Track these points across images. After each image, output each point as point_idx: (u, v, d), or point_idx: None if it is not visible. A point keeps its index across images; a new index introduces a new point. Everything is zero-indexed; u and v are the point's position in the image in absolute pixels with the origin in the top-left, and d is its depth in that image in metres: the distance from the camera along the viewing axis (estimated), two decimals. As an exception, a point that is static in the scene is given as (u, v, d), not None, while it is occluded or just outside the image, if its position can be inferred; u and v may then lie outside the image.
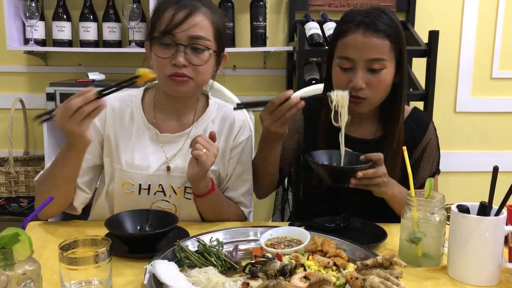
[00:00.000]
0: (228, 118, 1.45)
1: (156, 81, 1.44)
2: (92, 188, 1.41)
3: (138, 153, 1.37)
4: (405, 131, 1.42)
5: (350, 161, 1.32)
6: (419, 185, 1.45)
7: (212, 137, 1.28)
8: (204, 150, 1.23)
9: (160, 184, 1.36)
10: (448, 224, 1.08)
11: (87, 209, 1.44)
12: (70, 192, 1.34)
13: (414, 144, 1.46)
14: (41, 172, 1.35)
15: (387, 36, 1.32)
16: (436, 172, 1.49)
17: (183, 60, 1.27)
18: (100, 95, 1.15)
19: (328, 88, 1.43)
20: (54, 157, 1.28)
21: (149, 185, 1.36)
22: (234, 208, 1.44)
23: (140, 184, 1.36)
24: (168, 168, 1.36)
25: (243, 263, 1.01)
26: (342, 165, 1.32)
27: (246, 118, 1.53)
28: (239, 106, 1.37)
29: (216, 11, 1.35)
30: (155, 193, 1.36)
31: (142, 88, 1.46)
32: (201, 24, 1.29)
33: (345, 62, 1.34)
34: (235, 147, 1.44)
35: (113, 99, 1.42)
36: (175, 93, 1.35)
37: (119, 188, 1.36)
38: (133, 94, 1.45)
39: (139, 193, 1.36)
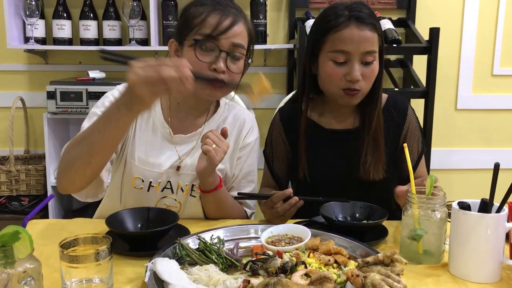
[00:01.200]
0: (238, 118, 1.47)
1: None
2: (108, 176, 1.39)
3: (152, 151, 1.38)
4: (385, 118, 1.47)
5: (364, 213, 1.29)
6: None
7: (224, 133, 1.29)
8: (214, 145, 1.24)
9: (169, 181, 1.37)
10: (449, 221, 1.08)
11: (91, 203, 1.43)
12: (100, 166, 1.23)
13: (398, 130, 1.49)
14: (70, 141, 1.21)
15: (375, 29, 1.36)
16: (422, 150, 1.53)
17: (224, 66, 1.29)
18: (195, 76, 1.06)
19: (310, 87, 1.48)
20: (92, 123, 1.17)
21: (159, 183, 1.37)
22: (238, 207, 1.44)
23: (150, 182, 1.36)
24: (178, 168, 1.37)
25: (244, 261, 1.01)
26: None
27: (255, 119, 1.55)
28: (239, 196, 1.36)
29: (248, 19, 1.38)
30: (163, 190, 1.38)
31: None
32: (242, 34, 1.32)
33: (340, 56, 1.36)
34: (244, 148, 1.46)
35: None
36: (209, 98, 1.37)
37: (128, 183, 1.37)
38: None
39: (148, 189, 1.37)
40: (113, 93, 1.38)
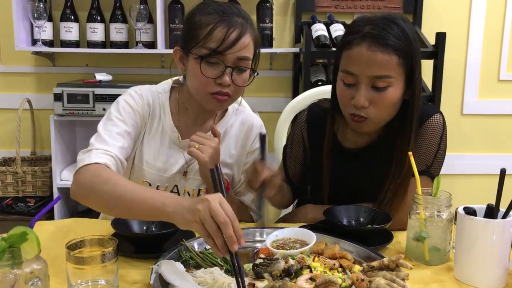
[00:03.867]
0: (246, 123, 1.46)
1: (179, 80, 1.43)
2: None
3: (160, 155, 1.37)
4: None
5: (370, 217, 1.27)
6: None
7: (213, 131, 1.30)
8: (197, 145, 1.24)
9: (175, 185, 1.38)
10: (455, 224, 1.08)
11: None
12: None
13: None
14: (112, 178, 1.14)
15: (395, 50, 1.21)
16: (424, 172, 1.33)
17: (229, 80, 1.27)
18: None
19: (334, 101, 1.36)
20: (139, 193, 1.11)
21: (166, 187, 1.37)
22: (245, 211, 1.44)
23: (157, 186, 1.37)
24: (185, 173, 1.38)
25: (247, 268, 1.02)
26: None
27: (263, 124, 1.52)
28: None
29: (254, 25, 1.34)
30: None
31: (169, 86, 1.43)
32: (249, 46, 1.28)
33: (348, 77, 1.26)
34: (251, 153, 1.45)
35: (147, 93, 1.38)
36: (212, 109, 1.37)
37: None
38: (160, 91, 1.41)
39: None
40: (125, 99, 1.34)
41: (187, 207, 0.94)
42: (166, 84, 1.46)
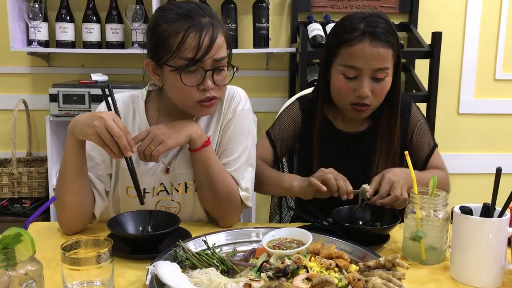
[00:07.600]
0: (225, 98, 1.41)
1: (154, 84, 1.42)
2: (109, 196, 1.40)
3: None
4: None
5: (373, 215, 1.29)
6: (423, 162, 1.52)
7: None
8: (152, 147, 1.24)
9: (162, 183, 1.37)
10: (452, 223, 1.08)
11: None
12: (86, 191, 1.29)
13: (405, 124, 1.52)
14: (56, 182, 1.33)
15: (390, 45, 1.36)
16: (434, 145, 1.54)
17: (212, 84, 1.26)
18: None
19: (324, 92, 1.48)
20: (62, 161, 1.30)
21: (153, 188, 1.36)
22: (230, 180, 1.36)
23: (144, 189, 1.35)
24: (167, 170, 1.36)
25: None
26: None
27: (242, 92, 1.47)
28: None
29: (220, 20, 1.31)
30: (158, 193, 1.37)
31: (145, 89, 1.43)
32: (223, 45, 1.27)
33: (351, 71, 1.37)
34: (230, 119, 1.41)
35: (117, 102, 1.39)
36: (202, 115, 1.37)
37: (124, 193, 1.37)
38: (136, 95, 1.42)
39: (144, 196, 1.35)
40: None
41: (83, 122, 1.18)
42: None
